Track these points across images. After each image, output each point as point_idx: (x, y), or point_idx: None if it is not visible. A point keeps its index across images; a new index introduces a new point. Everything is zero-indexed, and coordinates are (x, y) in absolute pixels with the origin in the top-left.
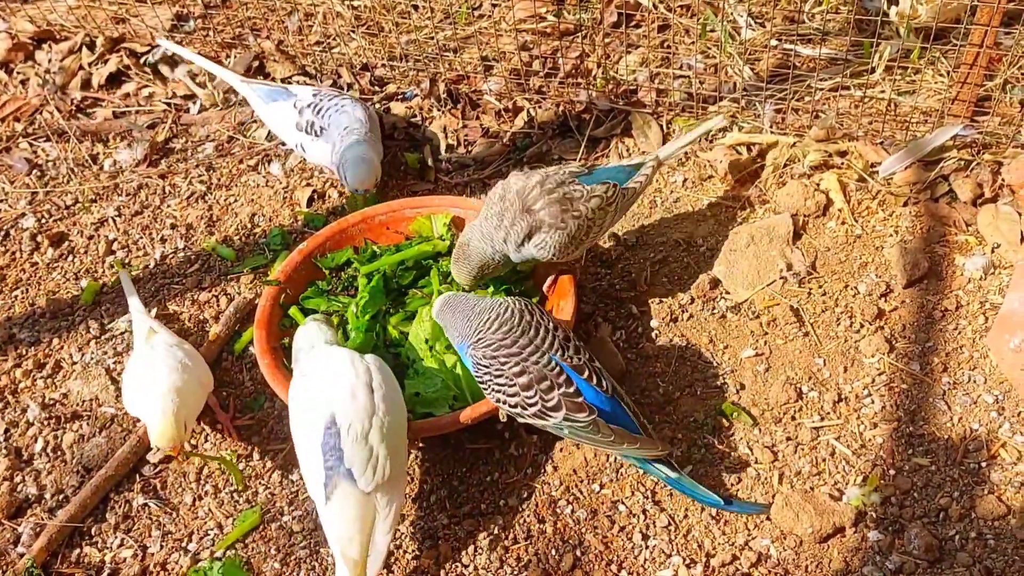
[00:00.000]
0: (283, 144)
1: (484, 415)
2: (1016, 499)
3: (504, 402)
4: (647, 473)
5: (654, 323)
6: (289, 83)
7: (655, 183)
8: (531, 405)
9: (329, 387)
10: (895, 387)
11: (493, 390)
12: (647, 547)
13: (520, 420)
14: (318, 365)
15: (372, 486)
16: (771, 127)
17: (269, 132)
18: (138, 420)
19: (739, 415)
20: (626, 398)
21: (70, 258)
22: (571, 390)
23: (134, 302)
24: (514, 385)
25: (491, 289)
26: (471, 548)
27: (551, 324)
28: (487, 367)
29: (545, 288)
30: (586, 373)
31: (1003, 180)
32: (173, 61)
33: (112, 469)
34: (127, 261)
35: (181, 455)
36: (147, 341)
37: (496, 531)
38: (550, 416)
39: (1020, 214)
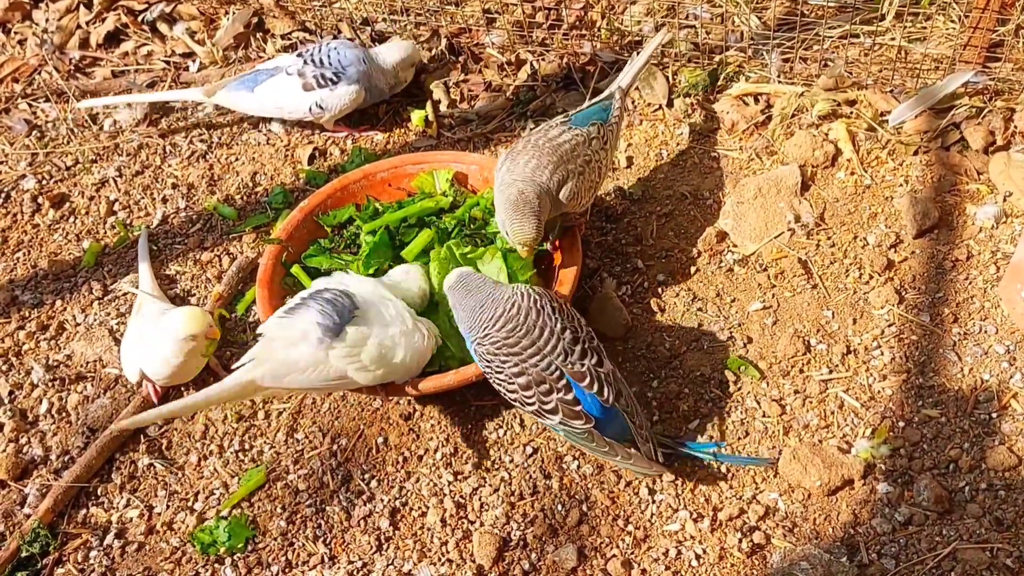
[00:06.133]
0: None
1: None
2: None
3: (506, 394)
4: None
5: (660, 277)
6: (288, 41)
7: (660, 134)
8: (529, 404)
9: (381, 301)
10: (905, 338)
11: (496, 383)
12: (654, 501)
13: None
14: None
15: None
16: (779, 77)
17: None
18: (140, 384)
19: (746, 369)
20: (634, 407)
21: (71, 219)
22: (569, 397)
23: (143, 268)
24: (513, 384)
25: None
26: (477, 504)
27: (558, 325)
28: (489, 362)
29: (549, 245)
30: (587, 380)
31: (1015, 127)
32: (172, 18)
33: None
34: (128, 222)
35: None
36: (137, 313)
37: (502, 487)
38: (547, 417)
39: None
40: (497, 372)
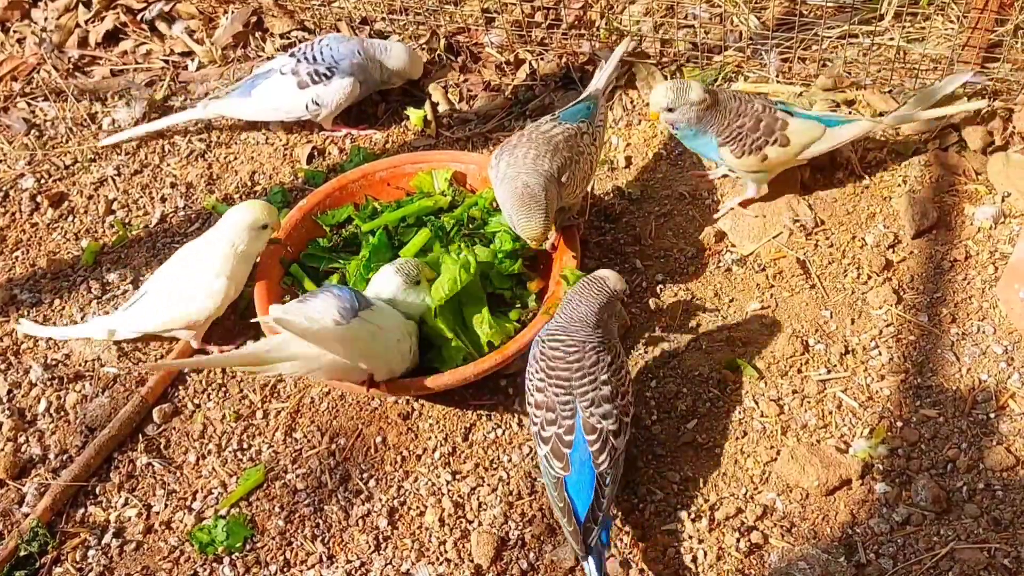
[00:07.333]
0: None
1: (487, 371)
2: None
3: (527, 405)
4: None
5: (659, 277)
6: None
7: (659, 134)
8: (534, 424)
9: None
10: (903, 339)
11: (527, 388)
12: (652, 501)
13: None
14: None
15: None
16: (777, 77)
17: None
18: (140, 381)
19: (745, 369)
20: (609, 492)
21: (70, 218)
22: (567, 438)
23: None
24: (532, 397)
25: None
26: (475, 504)
27: (603, 376)
28: (530, 364)
29: (548, 245)
30: (594, 436)
31: (1014, 128)
32: (171, 17)
33: (115, 429)
34: (127, 221)
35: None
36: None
37: (500, 487)
38: (540, 445)
39: None
40: (528, 378)
